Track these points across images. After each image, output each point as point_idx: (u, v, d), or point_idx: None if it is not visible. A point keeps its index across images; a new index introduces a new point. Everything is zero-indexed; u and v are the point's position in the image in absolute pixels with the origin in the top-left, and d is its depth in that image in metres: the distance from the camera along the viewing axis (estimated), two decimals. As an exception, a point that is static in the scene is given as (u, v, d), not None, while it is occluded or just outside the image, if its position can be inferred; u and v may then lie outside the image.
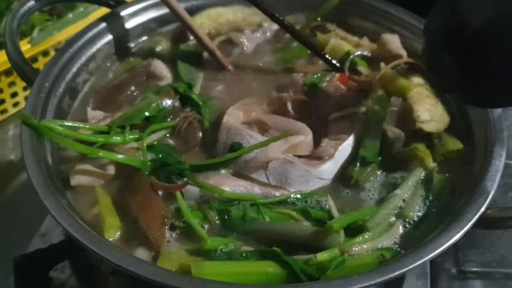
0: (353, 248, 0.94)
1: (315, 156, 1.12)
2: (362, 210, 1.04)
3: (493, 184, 0.97)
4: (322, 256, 0.92)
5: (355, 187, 1.10)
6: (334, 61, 1.35)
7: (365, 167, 1.10)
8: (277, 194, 1.06)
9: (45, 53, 1.74)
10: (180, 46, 1.41)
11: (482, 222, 0.94)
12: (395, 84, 1.26)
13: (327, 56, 1.35)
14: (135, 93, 1.29)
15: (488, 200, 0.95)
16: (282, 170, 1.07)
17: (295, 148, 1.11)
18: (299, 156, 1.12)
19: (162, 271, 0.85)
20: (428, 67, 1.15)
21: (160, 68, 1.33)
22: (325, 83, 1.27)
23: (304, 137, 1.13)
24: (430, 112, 1.20)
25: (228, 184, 1.05)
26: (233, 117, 1.17)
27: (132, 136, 1.14)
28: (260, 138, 1.11)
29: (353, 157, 1.13)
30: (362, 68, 1.33)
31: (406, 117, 1.19)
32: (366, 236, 0.98)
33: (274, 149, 1.08)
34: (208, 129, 1.20)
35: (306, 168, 1.07)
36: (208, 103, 1.26)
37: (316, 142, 1.15)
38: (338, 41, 1.39)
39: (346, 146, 1.12)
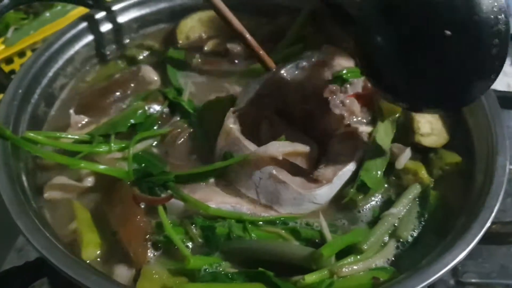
0: (343, 269, 0.90)
1: (312, 178, 1.05)
2: (354, 232, 0.99)
3: (498, 197, 0.92)
4: (310, 278, 0.87)
5: (349, 206, 1.04)
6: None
7: (363, 191, 1.04)
8: (265, 215, 1.01)
9: (21, 54, 1.68)
10: (170, 49, 1.35)
11: (487, 237, 0.89)
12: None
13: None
14: (121, 98, 1.24)
15: (493, 214, 0.90)
16: (274, 189, 1.02)
17: (297, 156, 1.05)
18: (295, 174, 1.05)
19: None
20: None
21: (149, 73, 1.29)
22: (349, 85, 1.17)
23: (311, 151, 1.07)
24: (431, 125, 1.14)
25: (215, 201, 0.99)
26: (238, 119, 1.09)
27: (117, 146, 1.10)
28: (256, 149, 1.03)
29: (353, 177, 1.06)
30: None
31: (406, 127, 1.14)
32: (358, 257, 0.93)
33: (276, 147, 1.02)
34: (202, 137, 1.15)
35: (299, 191, 1.01)
36: (199, 110, 1.20)
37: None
38: None
39: (347, 171, 1.06)
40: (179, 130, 1.16)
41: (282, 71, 1.17)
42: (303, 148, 1.07)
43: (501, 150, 1.01)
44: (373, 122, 1.14)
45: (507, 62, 1.74)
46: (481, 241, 0.88)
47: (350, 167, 1.06)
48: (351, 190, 1.03)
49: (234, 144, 1.05)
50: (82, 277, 0.81)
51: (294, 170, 1.06)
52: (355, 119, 1.14)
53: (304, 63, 1.18)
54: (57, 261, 0.83)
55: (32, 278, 1.11)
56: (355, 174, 1.06)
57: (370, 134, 1.11)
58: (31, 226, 0.88)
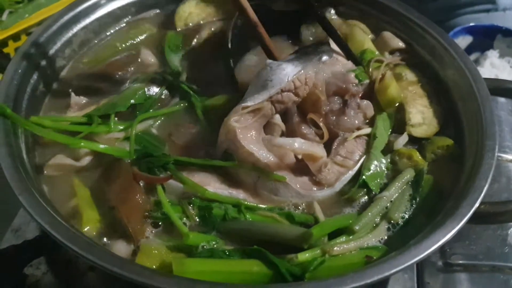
0: (335, 248, 0.92)
1: (315, 180, 1.05)
2: (346, 215, 1.01)
3: (487, 179, 0.95)
4: (303, 256, 0.89)
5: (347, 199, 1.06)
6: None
7: (363, 187, 1.06)
8: (262, 206, 1.02)
9: (15, 38, 1.66)
10: (168, 33, 1.36)
11: (476, 217, 0.92)
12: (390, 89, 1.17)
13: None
14: (120, 80, 1.24)
15: (482, 195, 0.93)
16: (273, 187, 1.02)
17: (311, 159, 1.04)
18: (298, 172, 1.05)
19: (148, 272, 0.81)
20: None
21: (148, 56, 1.29)
22: (361, 86, 1.17)
23: (324, 159, 1.06)
24: (422, 114, 1.17)
25: (213, 186, 1.00)
26: (246, 115, 1.04)
27: (120, 126, 1.11)
28: (261, 154, 1.02)
29: (355, 176, 1.08)
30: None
31: (401, 121, 1.16)
32: (351, 237, 0.95)
33: (300, 143, 1.03)
34: (203, 121, 1.16)
35: (299, 191, 1.02)
36: (198, 91, 1.21)
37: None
38: (363, 35, 1.32)
39: (349, 176, 1.07)
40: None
41: (311, 67, 1.09)
42: (321, 153, 1.06)
43: (491, 134, 1.04)
44: (371, 121, 1.16)
45: (495, 54, 1.79)
46: (470, 221, 0.91)
47: (353, 172, 1.07)
48: (352, 189, 1.04)
49: (232, 143, 1.03)
50: (85, 251, 0.82)
51: (298, 169, 1.05)
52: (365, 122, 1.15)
53: (326, 57, 1.14)
54: (61, 235, 0.84)
55: (30, 257, 1.12)
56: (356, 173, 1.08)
57: (369, 134, 1.13)
58: (34, 202, 0.89)
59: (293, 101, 1.09)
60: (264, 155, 1.02)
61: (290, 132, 1.10)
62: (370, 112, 1.15)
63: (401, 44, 1.32)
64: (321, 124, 1.08)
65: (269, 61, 1.11)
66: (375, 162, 1.08)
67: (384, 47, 1.32)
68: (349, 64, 1.21)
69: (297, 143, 1.03)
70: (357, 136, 1.12)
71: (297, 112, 1.11)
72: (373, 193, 1.06)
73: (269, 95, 1.04)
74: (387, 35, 1.34)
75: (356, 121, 1.12)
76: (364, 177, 1.05)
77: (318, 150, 1.06)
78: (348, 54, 1.24)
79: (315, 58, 1.12)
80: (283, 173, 1.02)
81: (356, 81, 1.15)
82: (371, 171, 1.07)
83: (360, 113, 1.13)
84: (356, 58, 1.24)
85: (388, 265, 0.83)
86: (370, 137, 1.13)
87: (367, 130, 1.13)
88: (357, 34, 1.33)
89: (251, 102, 1.04)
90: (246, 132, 1.04)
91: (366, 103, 1.14)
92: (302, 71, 1.07)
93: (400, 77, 1.24)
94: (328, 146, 1.10)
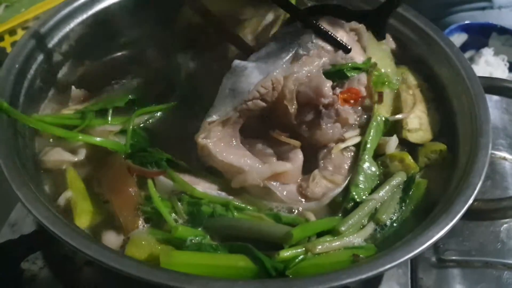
0: (318, 247, 0.92)
1: (301, 192, 1.04)
2: (331, 218, 1.00)
3: (480, 176, 0.96)
4: (284, 253, 0.89)
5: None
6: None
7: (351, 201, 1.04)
8: (249, 207, 1.01)
9: (11, 32, 1.66)
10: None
11: (469, 214, 0.93)
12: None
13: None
14: (122, 76, 1.25)
15: (476, 191, 0.94)
16: (261, 193, 1.02)
17: (280, 176, 1.02)
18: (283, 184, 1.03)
19: (147, 269, 0.81)
20: None
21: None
22: (347, 81, 1.11)
23: (291, 165, 1.02)
24: (420, 120, 1.16)
25: (203, 185, 1.00)
26: (214, 128, 1.01)
27: (116, 120, 1.13)
28: (242, 162, 1.00)
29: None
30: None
31: (394, 123, 1.15)
32: (335, 237, 0.95)
33: (254, 175, 0.99)
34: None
35: (284, 200, 1.01)
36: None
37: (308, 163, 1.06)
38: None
39: (337, 192, 1.04)
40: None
41: (279, 70, 1.01)
42: (282, 166, 1.02)
43: (485, 132, 1.04)
44: (363, 122, 1.14)
45: (490, 52, 1.80)
46: (463, 218, 0.92)
47: (341, 188, 1.05)
48: (344, 203, 1.03)
49: (209, 158, 1.02)
50: (83, 246, 0.83)
51: None
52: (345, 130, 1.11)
53: (303, 52, 1.05)
54: (59, 231, 0.84)
55: (27, 251, 1.13)
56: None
57: (356, 144, 1.11)
58: (31, 196, 0.89)
59: (262, 107, 1.03)
60: (246, 162, 1.01)
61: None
62: (351, 119, 1.09)
63: (391, 45, 1.30)
64: (287, 140, 1.05)
65: (235, 62, 1.04)
66: (362, 178, 1.05)
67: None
68: (338, 56, 1.11)
69: (250, 176, 0.99)
70: (345, 149, 1.10)
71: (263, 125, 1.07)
72: None
73: (232, 106, 1.00)
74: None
75: (335, 130, 1.07)
76: (350, 195, 1.04)
77: (277, 166, 1.02)
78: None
79: (287, 58, 1.04)
80: (270, 179, 1.02)
81: (330, 93, 1.04)
82: (359, 186, 1.05)
83: (338, 123, 1.07)
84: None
85: (383, 261, 0.84)
86: (360, 146, 1.10)
87: (354, 140, 1.11)
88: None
89: (216, 116, 1.00)
90: (220, 144, 1.01)
91: (345, 109, 1.07)
92: (268, 76, 1.01)
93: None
94: (312, 151, 1.09)
